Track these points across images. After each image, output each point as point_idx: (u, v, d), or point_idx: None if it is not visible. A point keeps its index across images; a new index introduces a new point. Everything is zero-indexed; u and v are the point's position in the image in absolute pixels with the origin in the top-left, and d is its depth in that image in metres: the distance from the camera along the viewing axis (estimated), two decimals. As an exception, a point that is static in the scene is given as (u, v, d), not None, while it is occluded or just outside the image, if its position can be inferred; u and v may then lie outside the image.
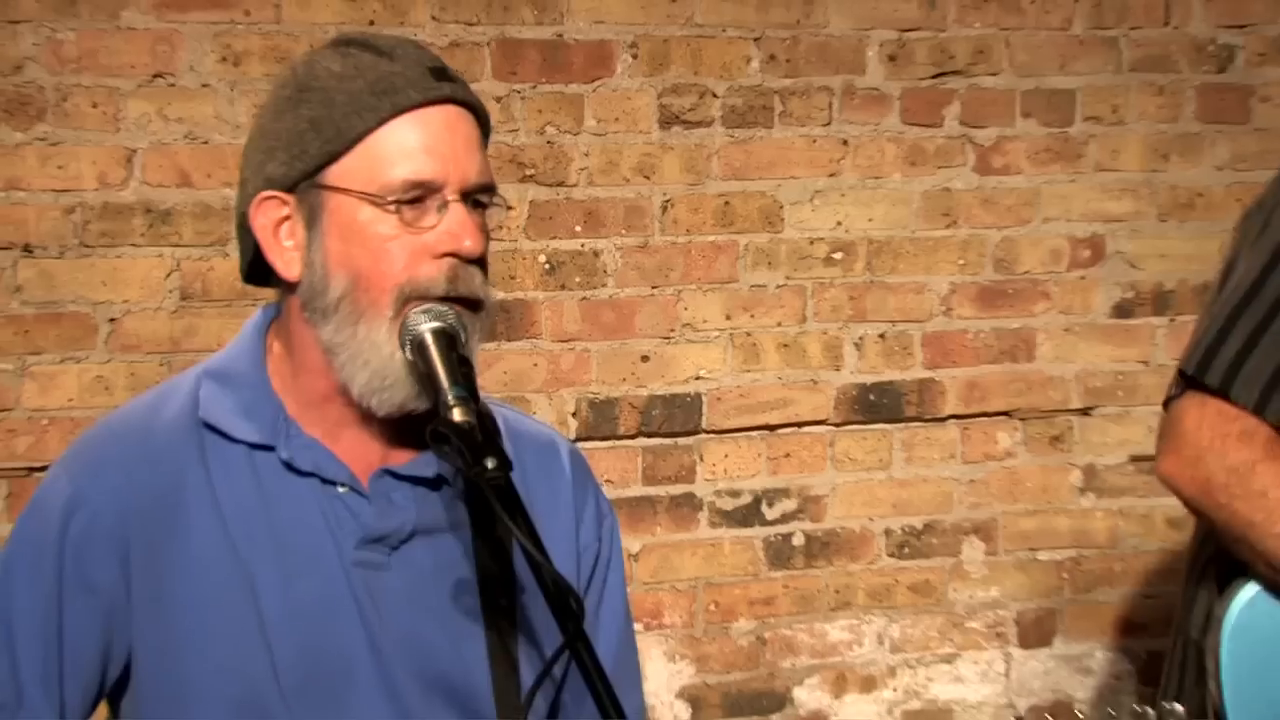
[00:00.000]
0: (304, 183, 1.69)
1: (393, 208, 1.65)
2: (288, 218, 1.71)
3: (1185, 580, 2.46)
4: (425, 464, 1.78)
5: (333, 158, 1.67)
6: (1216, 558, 2.36)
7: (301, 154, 1.69)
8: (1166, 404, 2.36)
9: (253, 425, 1.77)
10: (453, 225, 1.67)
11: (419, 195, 1.67)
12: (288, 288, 1.76)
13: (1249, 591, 2.25)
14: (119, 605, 1.74)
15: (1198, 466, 2.31)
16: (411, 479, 1.79)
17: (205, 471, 1.75)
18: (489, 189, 1.73)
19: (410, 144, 1.67)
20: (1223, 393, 2.26)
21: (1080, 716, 1.77)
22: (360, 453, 1.78)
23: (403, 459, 1.78)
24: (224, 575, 1.73)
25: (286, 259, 1.71)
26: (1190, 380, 2.29)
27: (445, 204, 1.69)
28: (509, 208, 1.85)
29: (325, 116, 1.68)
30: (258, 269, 1.79)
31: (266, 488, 1.76)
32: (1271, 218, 2.33)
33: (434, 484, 1.80)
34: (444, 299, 1.67)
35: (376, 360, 1.69)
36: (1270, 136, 3.85)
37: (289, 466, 1.76)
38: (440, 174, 1.68)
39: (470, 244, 1.67)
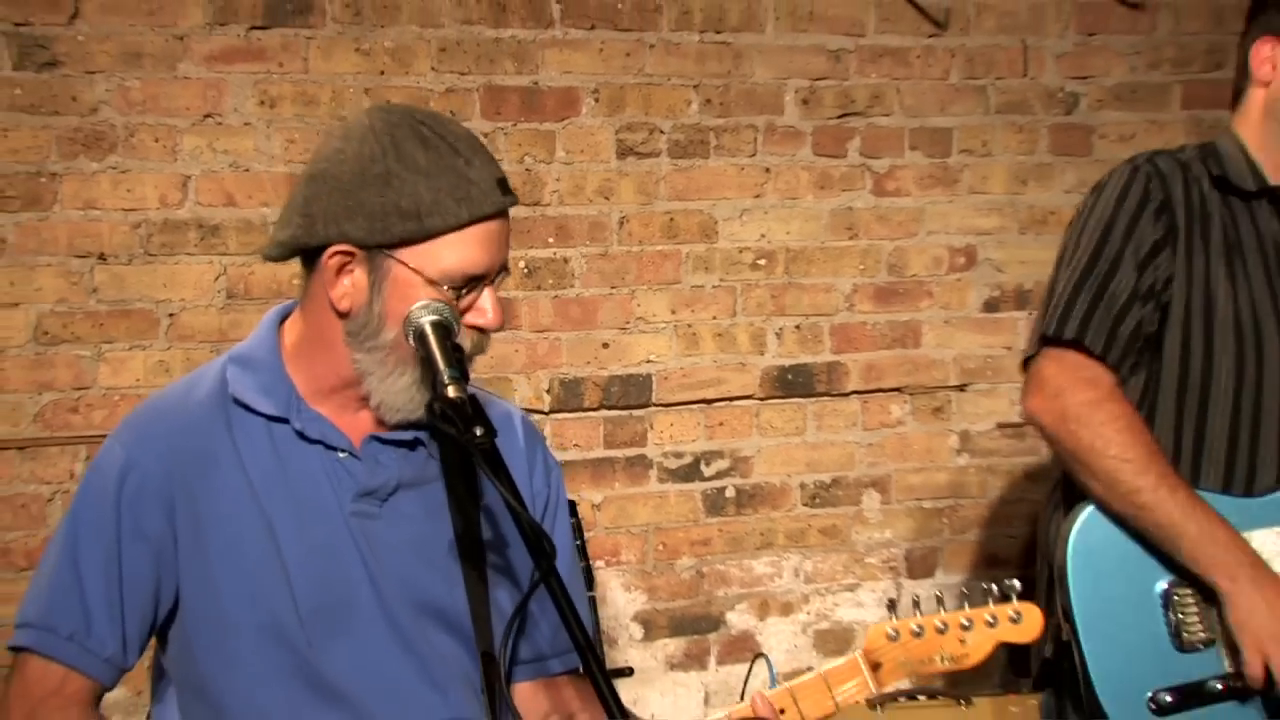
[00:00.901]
0: (379, 249, 1.84)
1: (446, 289, 1.83)
2: (354, 265, 1.86)
3: (1046, 515, 2.70)
4: (405, 430, 1.96)
5: (412, 242, 1.82)
6: (1066, 493, 2.62)
7: (384, 230, 1.82)
8: (1026, 363, 2.63)
9: (270, 401, 1.93)
10: (485, 305, 1.87)
11: (473, 284, 1.86)
12: (334, 310, 1.90)
13: (1086, 511, 2.52)
14: (167, 549, 1.90)
15: (1054, 401, 2.55)
16: (394, 443, 1.96)
17: (232, 439, 1.92)
18: (506, 268, 1.93)
19: (473, 247, 1.83)
20: (1077, 342, 2.51)
21: (938, 593, 1.94)
22: (354, 424, 1.95)
23: (386, 427, 1.96)
24: (250, 523, 1.90)
25: (340, 294, 1.87)
26: (1047, 339, 2.55)
27: (484, 287, 1.87)
28: (509, 273, 2.01)
29: (411, 208, 1.81)
30: (282, 257, 1.95)
31: (281, 452, 1.92)
32: (1095, 208, 2.61)
33: (412, 445, 1.97)
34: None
35: (400, 397, 1.89)
36: (1108, 165, 3.86)
37: (300, 435, 1.93)
38: (488, 269, 1.86)
39: (493, 319, 1.87)
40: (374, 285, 1.85)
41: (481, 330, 1.86)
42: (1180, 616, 2.51)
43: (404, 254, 1.81)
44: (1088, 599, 2.49)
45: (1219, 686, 2.48)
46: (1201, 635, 2.50)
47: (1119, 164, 2.65)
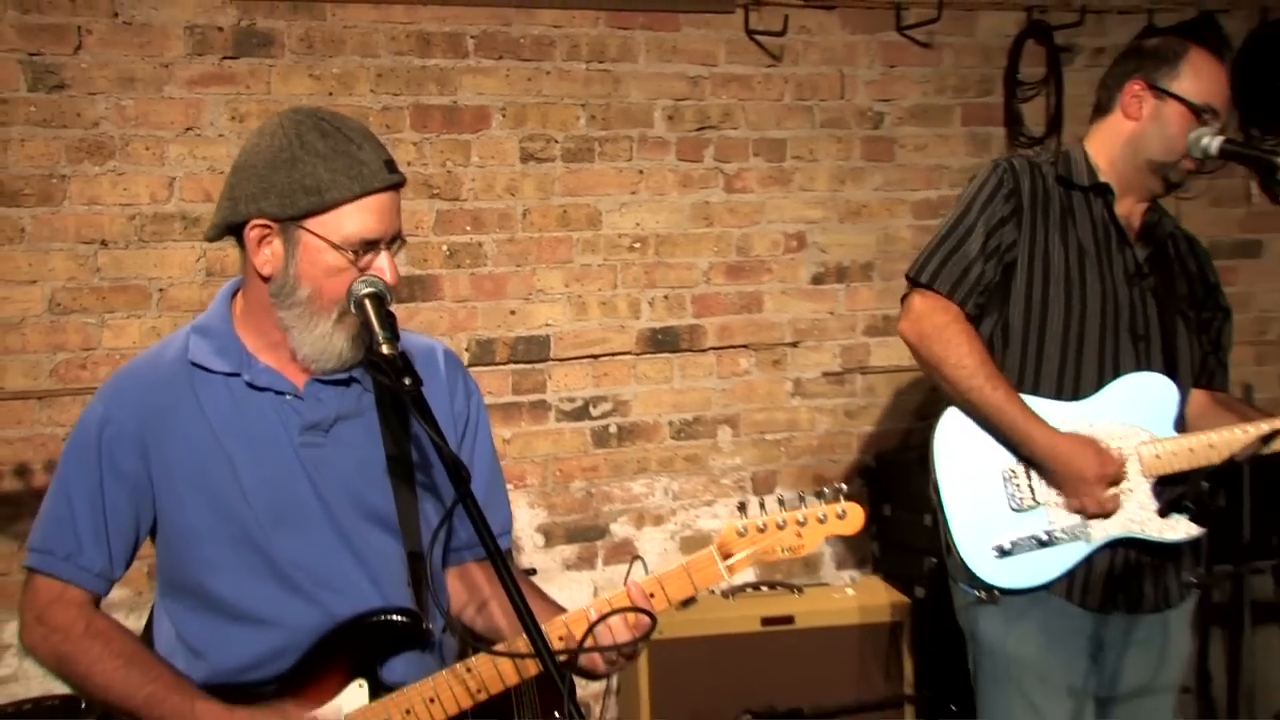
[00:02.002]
0: (290, 221, 1.95)
1: (349, 253, 1.95)
2: (271, 237, 1.97)
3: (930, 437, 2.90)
4: (339, 373, 2.06)
5: (315, 213, 1.93)
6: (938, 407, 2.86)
7: (292, 205, 1.93)
8: (903, 300, 2.87)
9: (224, 361, 2.04)
10: (383, 265, 1.97)
11: (366, 247, 1.96)
12: (261, 277, 2.00)
13: (947, 413, 2.83)
14: (142, 483, 2.04)
15: (916, 324, 2.81)
16: (332, 382, 2.08)
17: (194, 393, 2.03)
18: (400, 237, 2.03)
19: (368, 216, 1.94)
20: (930, 286, 2.79)
21: (780, 496, 2.09)
22: (296, 370, 2.05)
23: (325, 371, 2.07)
24: (213, 458, 2.02)
25: (263, 261, 1.97)
26: (914, 282, 2.82)
27: (380, 250, 1.97)
28: (405, 243, 2.11)
29: (313, 185, 1.92)
30: (217, 237, 2.05)
31: (238, 400, 2.04)
32: (966, 192, 2.86)
33: (347, 384, 2.08)
34: None
35: (320, 344, 1.99)
36: (906, 170, 4.58)
37: (251, 386, 2.05)
38: (381, 234, 1.97)
39: (392, 279, 1.97)
40: (288, 252, 1.95)
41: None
42: (1014, 488, 2.78)
43: (310, 224, 1.93)
44: (948, 477, 2.80)
45: (1043, 536, 2.75)
46: (1029, 500, 2.77)
47: (987, 163, 2.91)
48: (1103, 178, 2.82)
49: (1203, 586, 2.55)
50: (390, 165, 1.96)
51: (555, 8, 4.14)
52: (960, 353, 2.74)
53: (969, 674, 2.94)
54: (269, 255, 1.95)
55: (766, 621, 3.86)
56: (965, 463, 2.80)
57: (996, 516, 2.77)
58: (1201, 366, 2.94)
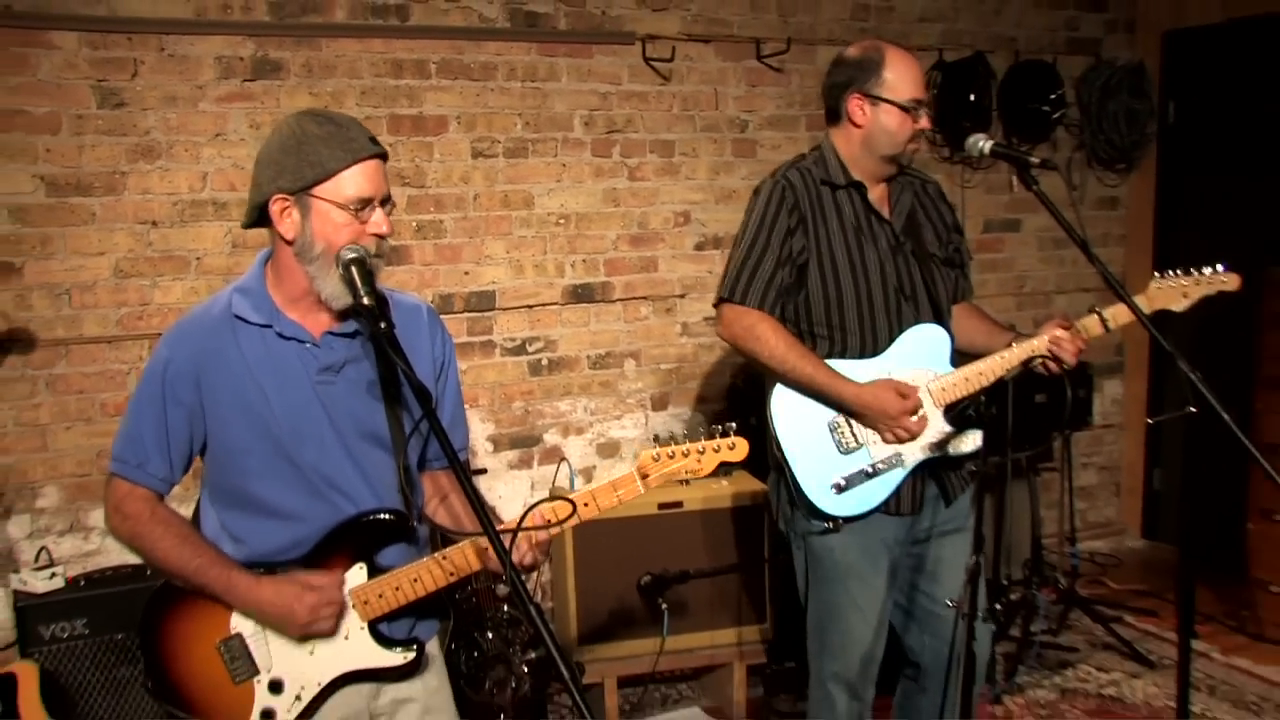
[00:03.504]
0: (302, 192, 1.98)
1: (351, 210, 1.98)
2: (290, 208, 1.99)
3: (767, 388, 2.85)
4: (348, 327, 2.10)
5: (320, 181, 1.97)
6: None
7: (302, 178, 1.97)
8: (716, 308, 2.88)
9: (259, 315, 2.08)
10: (379, 219, 2.01)
11: (363, 204, 1.99)
12: (285, 241, 2.02)
13: (777, 388, 2.81)
14: (196, 409, 2.10)
15: (731, 328, 2.81)
16: (342, 335, 2.10)
17: (236, 340, 2.08)
18: (389, 198, 2.05)
19: (361, 179, 1.98)
20: (740, 301, 2.79)
21: (685, 431, 2.11)
22: (315, 324, 2.10)
23: (336, 325, 2.10)
24: (250, 390, 2.08)
25: (286, 228, 2.00)
26: (722, 299, 2.84)
27: (374, 207, 2.01)
28: (395, 204, 2.08)
29: (316, 161, 1.96)
30: (252, 224, 2.07)
31: (269, 346, 2.09)
32: (755, 208, 2.86)
33: (353, 336, 2.11)
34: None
35: (335, 288, 2.02)
36: (765, 164, 4.77)
37: (280, 335, 2.08)
38: (373, 193, 2.00)
39: (387, 229, 2.02)
40: (304, 217, 1.98)
41: (381, 237, 2.02)
42: (839, 436, 2.81)
43: (318, 191, 1.97)
44: (786, 436, 2.81)
45: (869, 469, 2.80)
46: (852, 443, 2.80)
47: (768, 176, 2.90)
48: (854, 174, 2.83)
49: (980, 473, 2.52)
50: (374, 141, 2.02)
51: (498, 40, 4.38)
52: (770, 343, 2.76)
53: (793, 570, 3.00)
54: (290, 223, 1.99)
55: (662, 506, 4.02)
56: (797, 423, 2.80)
57: (829, 460, 2.79)
58: (954, 288, 2.96)
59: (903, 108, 2.75)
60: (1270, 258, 4.77)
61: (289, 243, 2.01)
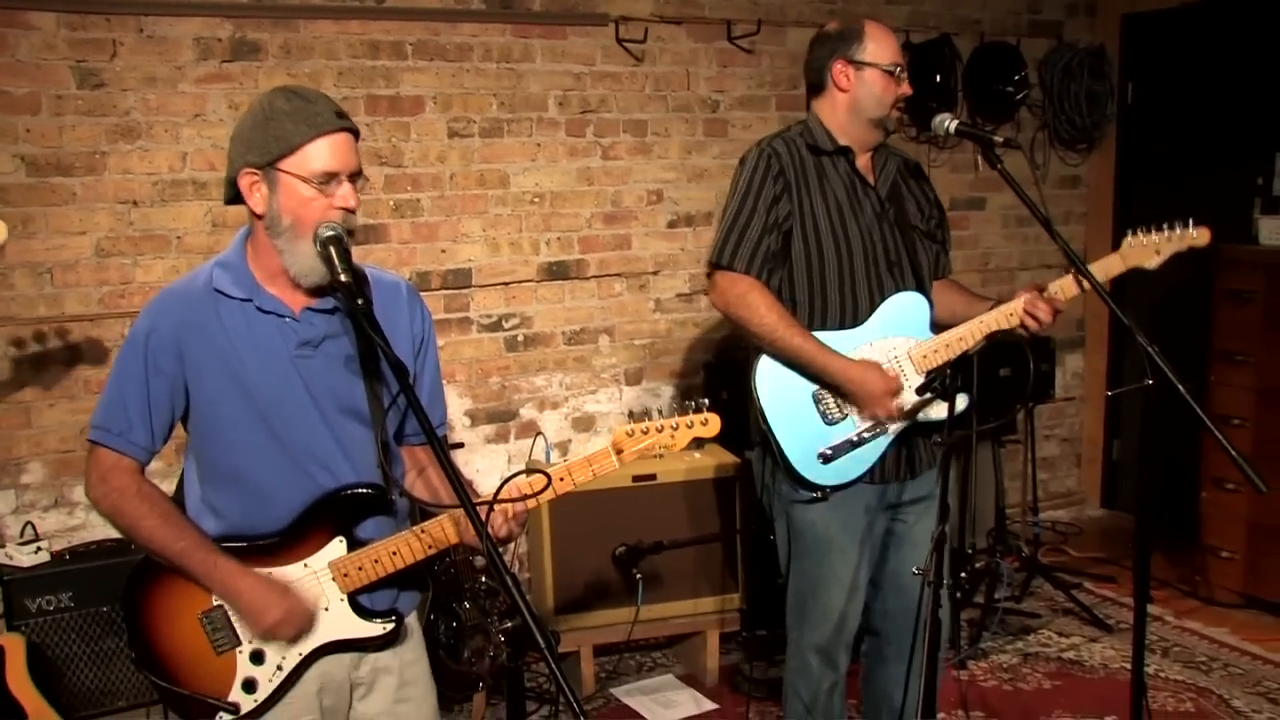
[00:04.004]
0: (268, 166, 1.96)
1: (316, 184, 1.95)
2: (258, 182, 1.98)
3: (751, 359, 2.85)
4: (327, 303, 2.07)
5: (285, 155, 1.94)
6: (755, 348, 2.82)
7: (268, 152, 1.95)
8: (708, 277, 2.87)
9: (239, 289, 2.05)
10: (345, 193, 1.98)
11: (328, 179, 1.96)
12: (256, 216, 2.00)
13: (762, 359, 2.81)
14: (178, 379, 2.07)
15: (724, 295, 2.80)
16: (321, 311, 2.08)
17: (217, 313, 2.06)
18: (360, 174, 2.01)
19: (325, 152, 1.96)
20: (729, 266, 2.78)
21: (659, 408, 2.11)
22: (295, 299, 2.07)
23: (315, 301, 2.07)
24: (231, 362, 2.05)
25: (256, 202, 1.99)
26: (716, 265, 2.82)
27: (341, 182, 1.97)
28: (368, 180, 2.09)
29: (281, 135, 1.94)
30: (231, 200, 2.04)
31: (249, 319, 2.06)
32: (740, 177, 2.85)
33: (332, 312, 2.09)
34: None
35: (305, 262, 2.00)
36: (736, 143, 4.84)
37: (259, 309, 2.05)
38: (338, 167, 1.96)
39: (353, 204, 1.99)
40: (272, 191, 1.97)
41: (348, 210, 1.99)
42: (824, 407, 2.82)
43: (284, 165, 1.95)
44: (771, 404, 2.82)
45: (855, 439, 2.82)
46: (838, 414, 2.81)
47: (753, 145, 2.88)
48: (841, 141, 2.84)
49: (947, 445, 2.49)
50: (340, 114, 1.99)
51: (474, 21, 4.39)
52: (760, 312, 2.76)
53: (774, 542, 3.03)
54: (259, 197, 1.98)
55: (636, 479, 4.04)
56: (781, 395, 2.81)
57: (815, 431, 2.81)
58: (935, 264, 3.00)
59: (886, 70, 2.79)
60: (1225, 235, 4.73)
61: (260, 217, 2.01)
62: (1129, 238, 2.83)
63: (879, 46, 2.81)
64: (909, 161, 3.04)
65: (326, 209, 1.96)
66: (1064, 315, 2.92)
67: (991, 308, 2.85)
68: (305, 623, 2.10)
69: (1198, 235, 2.81)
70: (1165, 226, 2.79)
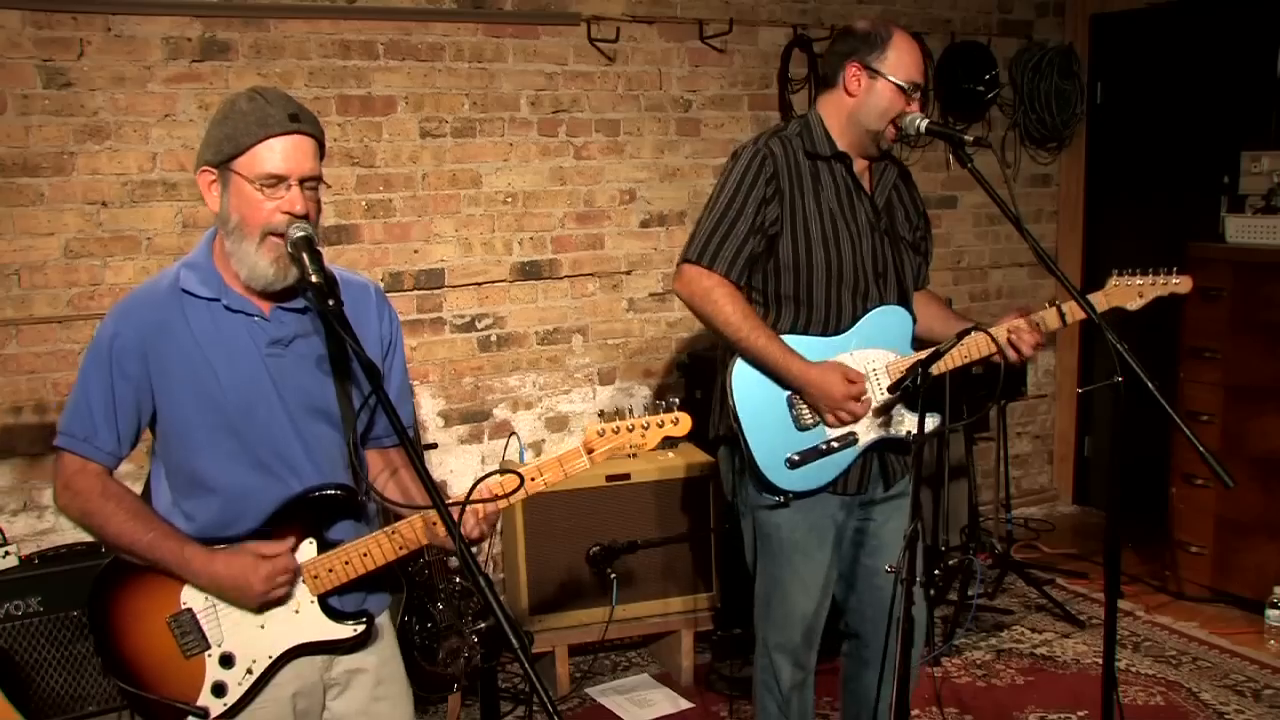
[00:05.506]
0: (221, 165, 1.98)
1: (260, 186, 1.95)
2: (214, 180, 2.01)
3: (722, 359, 2.84)
4: (297, 302, 2.08)
5: (235, 156, 1.96)
6: (727, 348, 2.78)
7: (221, 152, 1.97)
8: (678, 266, 2.81)
9: (206, 289, 2.05)
10: (292, 197, 1.97)
11: (275, 181, 1.96)
12: (215, 214, 2.04)
13: (738, 361, 2.78)
14: (144, 383, 2.06)
15: (689, 286, 2.76)
16: (291, 310, 2.09)
17: (184, 314, 2.05)
18: (315, 178, 1.99)
19: (273, 155, 1.96)
20: (705, 265, 2.74)
21: (630, 407, 2.12)
22: (263, 298, 2.07)
23: (285, 300, 2.08)
24: (198, 364, 2.05)
25: (211, 200, 2.01)
26: (688, 259, 2.77)
27: (290, 186, 1.97)
28: (328, 186, 2.07)
29: (234, 134, 1.96)
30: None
31: (217, 320, 2.06)
32: (733, 172, 2.78)
33: (303, 311, 2.09)
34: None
35: (248, 262, 2.00)
36: (709, 143, 4.95)
37: (228, 308, 2.06)
38: (286, 171, 1.96)
39: (299, 208, 1.96)
40: (224, 190, 1.99)
41: (294, 215, 1.98)
42: (796, 412, 2.79)
43: (234, 165, 1.97)
44: (744, 408, 2.79)
45: (824, 447, 2.81)
46: (810, 420, 2.79)
47: (748, 141, 2.84)
48: (839, 145, 2.80)
49: (918, 442, 2.50)
50: (294, 118, 1.97)
51: (446, 21, 4.37)
52: (725, 311, 2.73)
53: (742, 542, 3.01)
54: (214, 195, 2.01)
55: (610, 478, 4.04)
56: (755, 397, 2.79)
57: (785, 435, 2.78)
58: (917, 275, 2.98)
59: (898, 86, 2.74)
60: (1192, 233, 4.88)
61: (217, 215, 2.03)
62: (1114, 278, 2.87)
63: (900, 60, 2.75)
64: (900, 166, 3.02)
65: (272, 212, 1.96)
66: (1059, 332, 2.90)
67: (970, 330, 2.80)
68: (291, 576, 2.08)
69: (1180, 282, 2.88)
70: (1150, 271, 2.86)
